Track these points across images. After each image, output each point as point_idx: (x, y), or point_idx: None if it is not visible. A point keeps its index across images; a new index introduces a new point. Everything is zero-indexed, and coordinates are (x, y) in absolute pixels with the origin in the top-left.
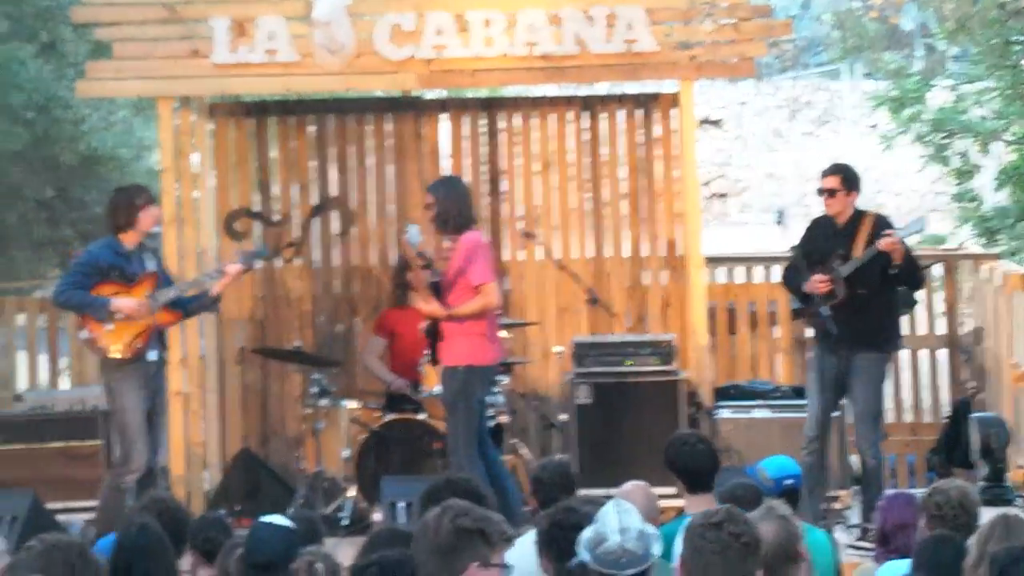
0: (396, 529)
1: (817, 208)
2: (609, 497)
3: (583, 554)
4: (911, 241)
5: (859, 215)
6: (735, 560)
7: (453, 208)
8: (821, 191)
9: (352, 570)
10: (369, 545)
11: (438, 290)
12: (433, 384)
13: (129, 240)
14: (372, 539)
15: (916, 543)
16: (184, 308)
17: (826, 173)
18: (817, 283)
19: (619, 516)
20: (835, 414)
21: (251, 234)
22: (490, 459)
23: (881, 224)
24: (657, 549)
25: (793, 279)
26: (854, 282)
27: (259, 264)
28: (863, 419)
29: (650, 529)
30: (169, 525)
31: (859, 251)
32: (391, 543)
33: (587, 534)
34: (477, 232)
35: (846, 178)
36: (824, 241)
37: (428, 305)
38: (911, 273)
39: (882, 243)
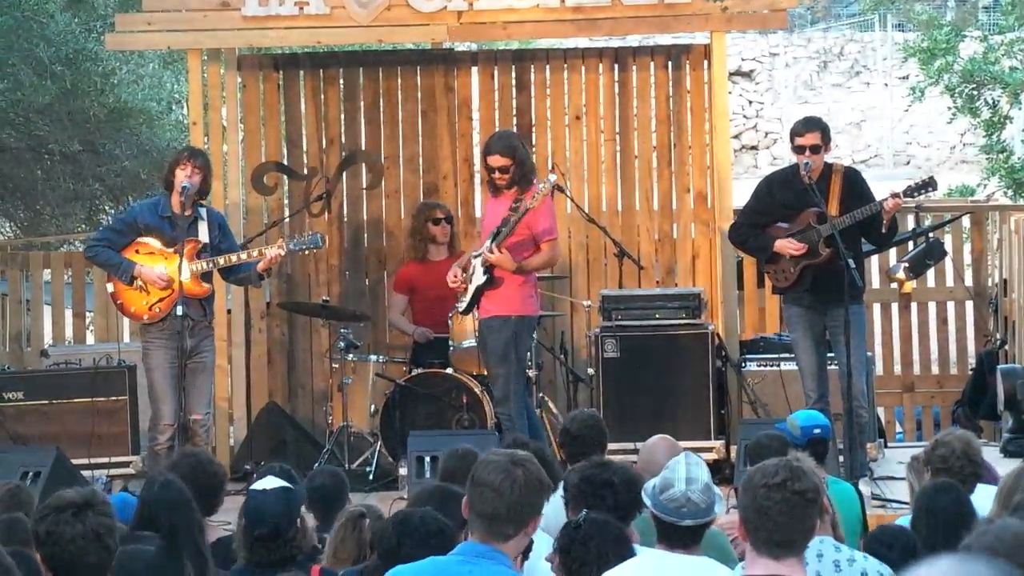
0: (447, 488)
1: (848, 161)
2: (635, 451)
3: (646, 500)
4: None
5: (828, 169)
6: (801, 516)
7: (529, 163)
8: (803, 148)
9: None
10: (417, 501)
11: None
12: (461, 337)
13: (176, 202)
14: (420, 496)
15: (916, 493)
16: (226, 277)
17: (806, 129)
18: (791, 245)
19: (688, 467)
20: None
21: (280, 188)
22: (528, 411)
23: (853, 177)
24: (719, 508)
25: (752, 238)
26: (837, 238)
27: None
28: (860, 372)
29: (716, 488)
30: (201, 480)
31: (834, 208)
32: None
33: (653, 481)
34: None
35: (824, 132)
36: (793, 197)
37: (499, 255)
38: (891, 233)
39: (890, 203)
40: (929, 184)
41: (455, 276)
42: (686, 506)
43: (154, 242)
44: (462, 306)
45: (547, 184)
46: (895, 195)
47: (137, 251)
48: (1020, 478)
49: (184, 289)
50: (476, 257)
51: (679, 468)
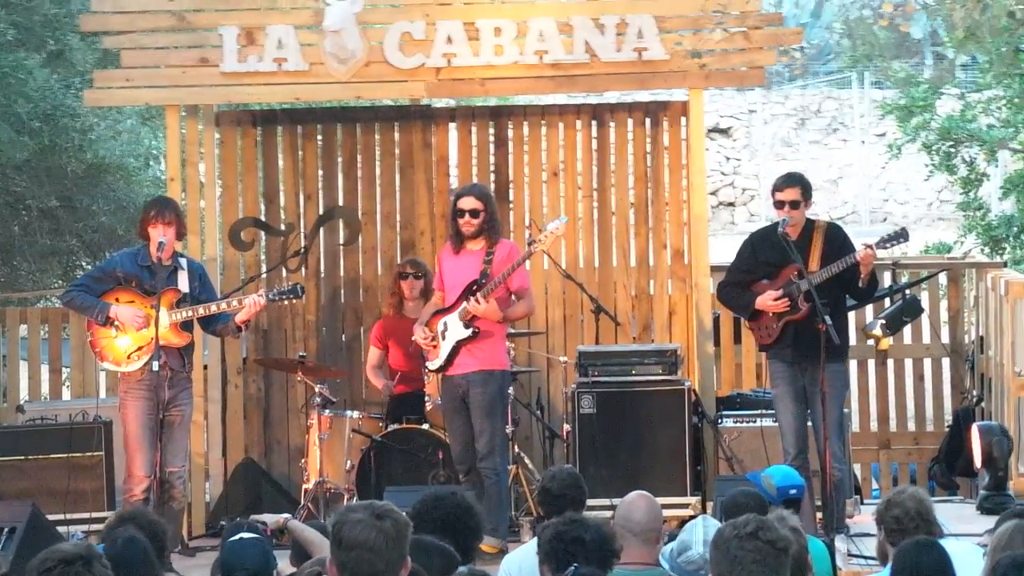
0: (420, 539)
1: (825, 218)
2: (612, 507)
3: (663, 563)
4: (896, 252)
5: (810, 225)
6: (774, 565)
7: (498, 217)
8: (783, 203)
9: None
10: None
11: (470, 291)
12: (437, 393)
13: (155, 254)
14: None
15: (895, 550)
16: (206, 328)
17: (786, 184)
18: (772, 301)
19: (705, 530)
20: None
21: (257, 243)
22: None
23: (834, 233)
24: None
25: (736, 297)
26: (817, 294)
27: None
28: (835, 431)
29: None
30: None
31: (815, 263)
32: None
33: (671, 545)
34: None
35: (805, 188)
36: (774, 254)
37: (487, 306)
38: (872, 288)
39: (862, 254)
40: (901, 235)
41: (424, 335)
42: (704, 568)
43: (131, 290)
44: (435, 364)
45: (560, 225)
46: (868, 246)
47: (117, 299)
48: (1013, 537)
49: (163, 339)
50: (443, 313)
51: (697, 531)
